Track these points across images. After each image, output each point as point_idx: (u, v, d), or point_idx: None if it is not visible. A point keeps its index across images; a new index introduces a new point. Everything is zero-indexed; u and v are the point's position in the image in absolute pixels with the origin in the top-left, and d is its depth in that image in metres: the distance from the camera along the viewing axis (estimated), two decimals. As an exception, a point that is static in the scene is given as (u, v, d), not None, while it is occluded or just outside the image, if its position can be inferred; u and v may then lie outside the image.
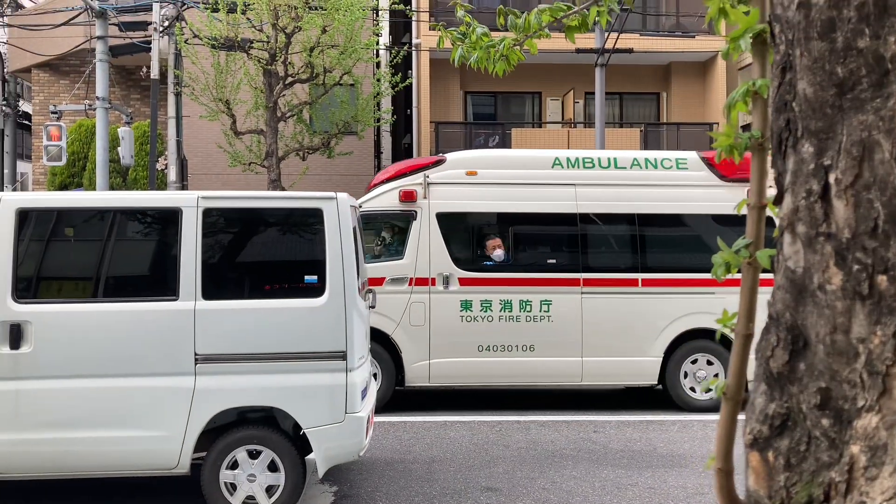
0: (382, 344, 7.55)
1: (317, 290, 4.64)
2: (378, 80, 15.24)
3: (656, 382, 7.86)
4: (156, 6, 14.30)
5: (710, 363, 7.90)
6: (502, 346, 7.58)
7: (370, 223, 7.90)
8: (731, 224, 7.96)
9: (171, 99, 15.01)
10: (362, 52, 13.97)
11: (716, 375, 7.86)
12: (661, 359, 7.73)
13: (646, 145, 17.42)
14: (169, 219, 4.67)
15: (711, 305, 7.60)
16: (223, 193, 4.84)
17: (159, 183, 15.46)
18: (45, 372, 4.46)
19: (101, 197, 4.92)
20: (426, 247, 7.71)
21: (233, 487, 4.60)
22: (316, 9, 13.21)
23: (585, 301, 7.62)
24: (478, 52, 2.28)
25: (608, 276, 7.77)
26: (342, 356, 4.62)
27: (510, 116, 18.91)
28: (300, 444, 4.69)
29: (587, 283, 7.66)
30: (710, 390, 7.94)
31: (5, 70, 22.23)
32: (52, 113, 15.44)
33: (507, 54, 2.26)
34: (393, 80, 14.83)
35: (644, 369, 7.73)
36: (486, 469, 5.85)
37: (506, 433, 6.97)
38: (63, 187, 16.18)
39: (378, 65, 16.15)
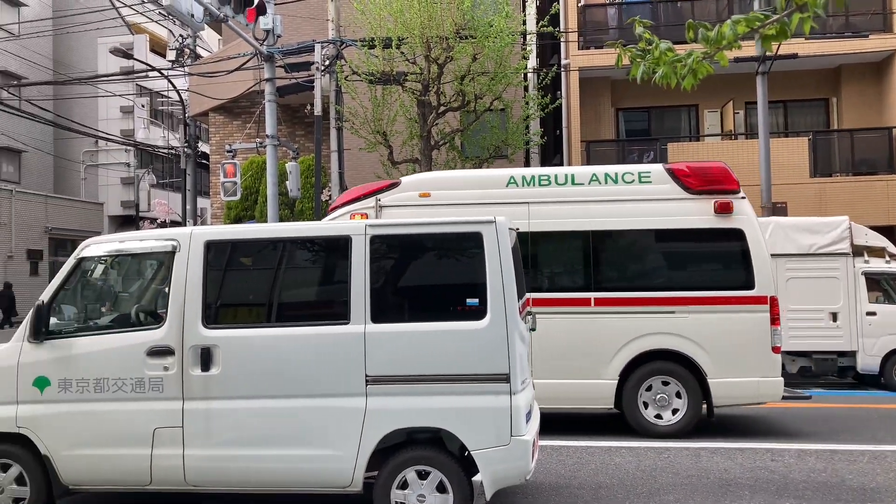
0: None
1: (479, 312, 4.69)
2: (527, 103, 15.31)
3: (612, 406, 7.54)
4: (317, 47, 15.17)
5: (665, 384, 7.49)
6: None
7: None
8: (693, 238, 7.56)
9: (332, 133, 15.83)
10: (512, 76, 14.11)
11: (678, 395, 7.47)
12: (617, 381, 7.43)
13: (815, 154, 16.33)
14: (339, 247, 4.90)
15: (672, 325, 7.31)
16: (389, 221, 5.02)
17: (324, 213, 16.31)
18: (232, 392, 4.78)
19: (277, 228, 5.24)
20: None
21: (403, 507, 4.71)
22: (466, 38, 13.51)
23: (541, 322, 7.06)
24: (663, 68, 2.24)
25: (558, 295, 7.51)
26: (505, 379, 4.63)
27: (665, 131, 18.37)
28: (467, 466, 4.73)
29: (536, 302, 7.23)
30: (676, 411, 7.45)
31: (186, 115, 24.38)
32: (228, 152, 16.72)
33: (695, 68, 2.20)
34: (542, 102, 14.85)
35: (599, 392, 7.43)
36: (654, 497, 5.64)
37: (674, 460, 6.68)
38: (237, 220, 17.43)
39: (526, 88, 16.24)
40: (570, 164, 16.82)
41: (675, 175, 7.56)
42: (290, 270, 5.09)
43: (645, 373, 7.43)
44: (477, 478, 4.71)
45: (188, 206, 23.98)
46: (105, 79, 26.28)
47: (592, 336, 7.43)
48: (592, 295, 7.51)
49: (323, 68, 15.12)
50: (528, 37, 15.56)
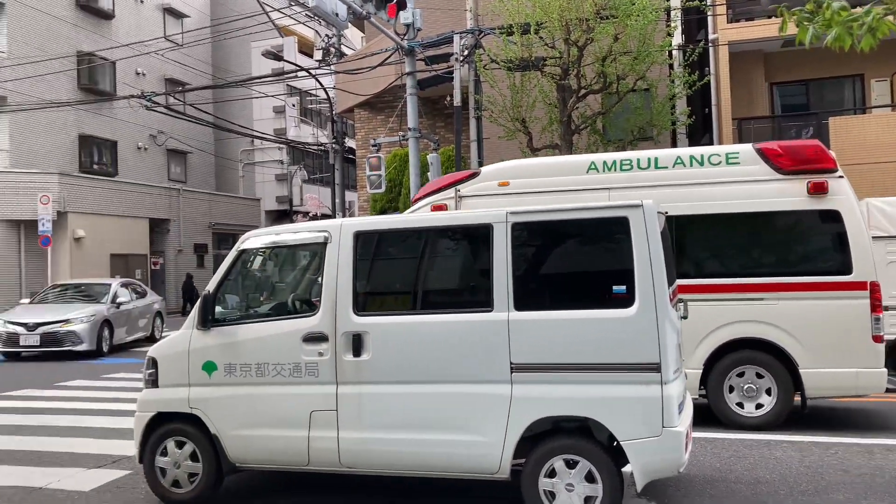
0: None
1: (626, 300, 4.56)
2: (672, 82, 14.72)
3: (696, 396, 7.18)
4: (456, 38, 15.31)
5: (759, 376, 7.12)
6: None
7: None
8: (784, 221, 7.12)
9: (472, 123, 15.94)
10: (656, 55, 13.61)
11: (767, 391, 7.13)
12: (701, 371, 7.17)
13: None
14: (481, 235, 4.92)
15: (760, 313, 6.96)
16: (530, 208, 4.98)
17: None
18: (381, 378, 4.93)
19: (421, 218, 5.33)
20: None
21: (551, 496, 4.67)
22: (607, 18, 13.16)
23: None
24: (836, 29, 2.05)
25: None
26: (656, 368, 4.49)
27: (825, 105, 17.08)
28: (616, 456, 4.63)
29: None
30: (763, 404, 7.12)
31: (333, 112, 25.34)
32: (372, 146, 17.24)
33: (875, 26, 2.00)
34: (689, 80, 14.22)
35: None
36: (822, 496, 5.28)
37: (844, 457, 6.23)
38: (382, 212, 17.96)
39: (672, 66, 15.61)
40: (720, 142, 16.02)
41: (765, 155, 7.17)
42: (435, 259, 5.17)
43: (731, 362, 7.14)
44: (627, 468, 4.61)
45: (337, 200, 24.98)
46: (258, 81, 27.80)
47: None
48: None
49: (462, 59, 15.23)
50: (672, 12, 14.94)
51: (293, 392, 5.08)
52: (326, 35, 24.00)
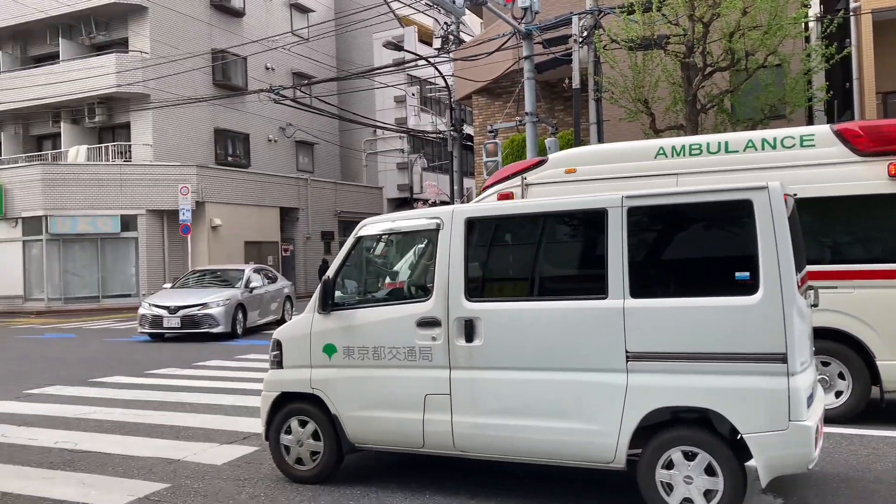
0: None
1: (749, 287, 4.34)
2: (808, 56, 13.82)
3: None
4: (574, 19, 15.02)
5: (826, 364, 6.82)
6: None
7: None
8: (862, 205, 6.73)
9: (591, 105, 15.61)
10: (789, 28, 12.82)
11: (841, 377, 6.83)
12: None
13: None
14: (595, 220, 4.81)
15: (833, 302, 6.58)
16: (647, 191, 4.81)
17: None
18: (494, 363, 4.93)
19: (533, 204, 5.27)
20: None
21: (669, 487, 4.54)
22: (734, -9, 12.51)
23: None
24: None
25: None
26: (782, 359, 4.25)
27: None
28: (739, 450, 4.43)
29: None
30: (840, 393, 6.81)
31: (452, 100, 25.52)
32: (489, 132, 17.24)
33: None
34: (826, 53, 13.31)
35: None
36: (974, 501, 4.84)
37: None
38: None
39: (807, 39, 14.65)
40: (862, 118, 14.91)
41: (843, 136, 6.81)
42: (547, 245, 5.10)
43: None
44: (751, 463, 4.40)
45: (455, 187, 25.19)
46: (379, 71, 28.37)
47: None
48: None
49: (580, 40, 14.93)
50: (808, -18, 14.01)
51: (408, 375, 5.17)
52: (445, 23, 24.16)
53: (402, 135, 35.43)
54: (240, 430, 7.35)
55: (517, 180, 8.10)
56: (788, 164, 6.98)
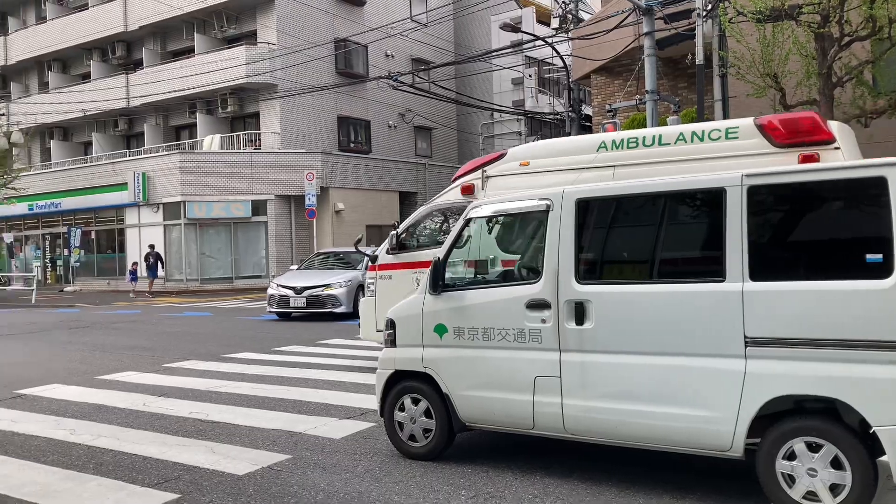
0: None
1: (882, 269, 4.05)
2: (963, 19, 12.59)
3: None
4: (698, -8, 14.38)
5: None
6: None
7: (439, 215, 9.36)
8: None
9: (716, 82, 14.94)
10: (940, -11, 11.73)
11: None
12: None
13: None
14: (713, 200, 4.62)
15: None
16: (769, 169, 4.58)
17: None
18: (605, 347, 4.85)
19: (646, 183, 5.12)
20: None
21: (790, 479, 4.32)
22: (877, -48, 11.58)
23: None
24: None
25: None
26: (919, 347, 3.94)
27: None
28: (870, 443, 4.16)
29: None
30: None
31: (570, 80, 25.11)
32: (608, 112, 16.85)
33: None
34: (985, 15, 12.08)
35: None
36: None
37: None
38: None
39: (966, 0, 13.35)
40: None
41: (762, 129, 7.05)
42: (660, 225, 4.93)
43: None
44: (883, 459, 4.12)
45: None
46: (496, 54, 28.28)
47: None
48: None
49: (704, 14, 14.30)
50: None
51: (518, 357, 5.18)
52: (563, 2, 23.75)
53: (520, 117, 35.23)
54: (357, 405, 7.61)
55: (479, 173, 8.74)
56: (713, 156, 7.30)
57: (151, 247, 27.05)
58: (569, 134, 25.06)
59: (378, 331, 9.57)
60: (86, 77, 35.50)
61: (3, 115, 31.11)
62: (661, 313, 4.64)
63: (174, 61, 31.66)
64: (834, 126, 7.15)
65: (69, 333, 15.36)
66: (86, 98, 32.79)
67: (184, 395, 8.40)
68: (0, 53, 37.34)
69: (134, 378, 9.63)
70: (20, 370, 10.49)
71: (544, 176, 8.16)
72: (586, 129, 28.12)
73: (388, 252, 9.85)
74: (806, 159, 6.85)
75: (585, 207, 5.09)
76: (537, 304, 5.10)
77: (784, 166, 4.74)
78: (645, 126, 15.80)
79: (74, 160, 34.92)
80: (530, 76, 34.84)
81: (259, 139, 29.95)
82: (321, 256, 19.20)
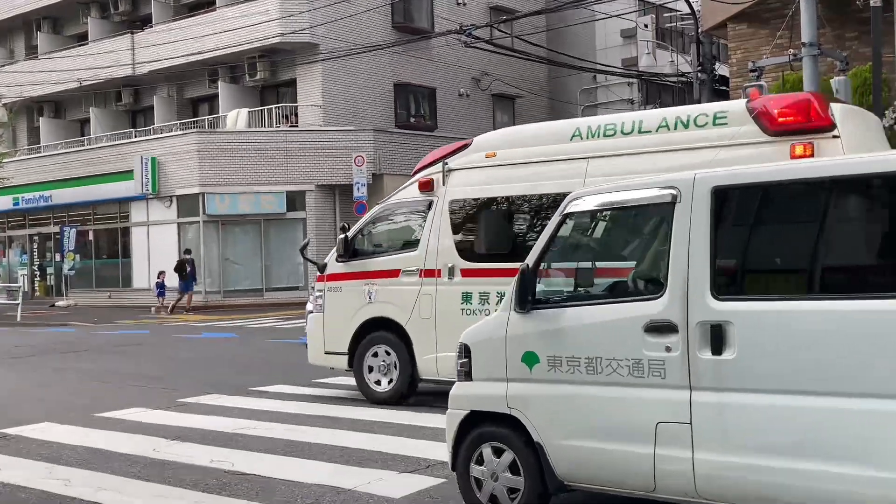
0: (398, 335, 9.81)
1: None
2: None
3: None
4: None
5: None
6: None
7: (394, 215, 10.41)
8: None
9: (898, 29, 14.45)
10: None
11: None
12: None
13: None
14: (888, 187, 4.47)
15: None
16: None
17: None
18: (752, 384, 4.70)
19: (811, 165, 4.95)
20: (436, 237, 9.56)
21: None
22: None
23: None
24: None
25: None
26: None
27: None
28: None
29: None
30: None
31: (699, 30, 24.70)
32: (751, 72, 16.47)
33: None
34: None
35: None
36: None
37: None
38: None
39: None
40: None
41: (755, 113, 7.75)
42: (827, 223, 4.78)
43: None
44: None
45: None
46: (601, -1, 28.06)
47: None
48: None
49: (882, -62, 13.85)
50: None
51: (633, 396, 5.10)
52: (689, -72, 23.44)
53: (632, 80, 34.84)
54: (421, 455, 7.64)
55: (440, 166, 9.69)
56: (699, 146, 7.99)
57: (188, 252, 27.61)
58: (698, 101, 24.68)
59: (328, 353, 10.54)
60: (82, 39, 36.91)
61: (-17, 87, 32.61)
62: (831, 339, 4.48)
63: (190, 17, 32.57)
64: (836, 110, 7.70)
65: (63, 359, 15.92)
66: (82, 64, 34.04)
67: (203, 439, 8.59)
68: (-20, 11, 39.14)
69: (142, 416, 9.91)
70: (5, 404, 10.93)
71: (513, 169, 9.18)
72: (721, 95, 27.65)
73: (337, 260, 10.49)
74: (801, 149, 7.48)
75: (725, 198, 4.97)
76: (659, 327, 5.01)
77: None
78: (801, 90, 15.41)
79: (68, 142, 36.33)
80: (646, 26, 34.42)
81: (296, 114, 30.51)
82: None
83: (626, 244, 6.12)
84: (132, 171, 29.80)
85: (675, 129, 8.31)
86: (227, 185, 28.43)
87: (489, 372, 5.72)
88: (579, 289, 5.78)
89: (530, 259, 5.59)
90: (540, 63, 31.35)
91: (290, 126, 30.08)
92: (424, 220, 9.89)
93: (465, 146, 9.68)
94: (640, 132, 8.48)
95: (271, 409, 10.15)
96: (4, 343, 19.23)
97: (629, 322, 5.13)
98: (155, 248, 29.72)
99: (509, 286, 8.74)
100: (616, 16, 33.11)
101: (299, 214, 28.81)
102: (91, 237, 32.68)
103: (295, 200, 28.77)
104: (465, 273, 9.40)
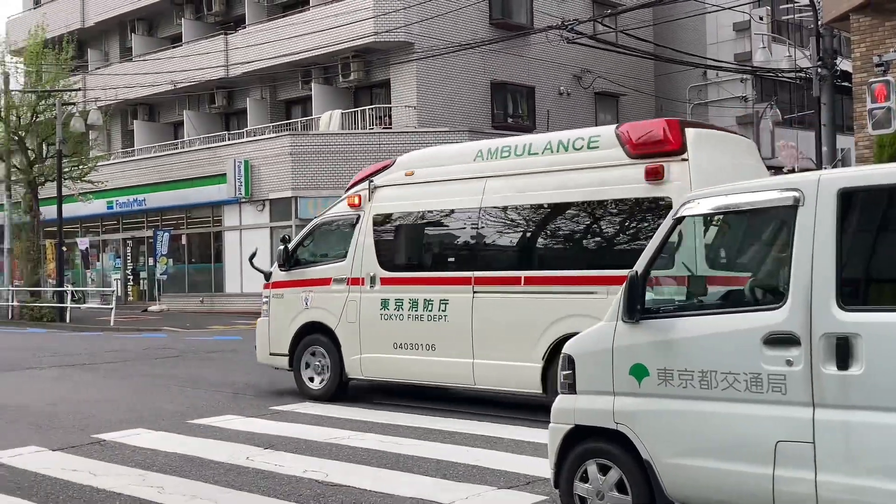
0: (330, 338, 11.28)
1: None
2: None
3: (541, 391, 9.38)
4: None
5: None
6: (411, 344, 10.43)
7: (328, 228, 12.13)
8: (622, 210, 9.22)
9: None
10: None
11: None
12: (542, 366, 9.36)
13: None
14: None
15: (590, 307, 8.43)
16: None
17: None
18: (882, 402, 4.58)
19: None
20: (361, 249, 11.09)
21: None
22: None
23: (476, 301, 9.86)
24: None
25: (495, 273, 9.84)
26: None
27: None
28: None
29: (478, 281, 9.88)
30: None
31: (819, 23, 24.06)
32: (876, 66, 15.99)
33: None
34: None
35: (525, 376, 9.52)
36: None
37: None
38: (892, 159, 16.58)
39: None
40: None
41: (620, 138, 9.03)
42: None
43: None
44: None
45: (824, 148, 23.78)
46: (712, -10, 27.62)
47: (520, 317, 9.64)
48: (522, 273, 9.73)
49: None
50: None
51: (751, 413, 5.02)
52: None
53: (745, 76, 34.15)
54: (521, 470, 7.62)
55: (366, 184, 11.24)
56: (576, 167, 9.43)
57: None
58: (818, 99, 24.06)
59: (272, 353, 12.16)
60: (176, 40, 38.09)
61: (79, 89, 33.90)
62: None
63: (283, 17, 33.27)
64: (690, 135, 8.83)
65: (155, 365, 16.43)
66: (175, 67, 35.11)
67: (296, 448, 8.74)
68: (76, 13, 40.72)
69: (235, 423, 10.15)
70: (99, 410, 11.32)
71: (427, 186, 10.66)
72: (843, 91, 26.89)
73: (279, 269, 12.10)
74: (650, 173, 8.77)
75: (852, 200, 4.85)
76: (780, 339, 4.91)
77: None
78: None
79: (162, 145, 37.52)
80: (761, 19, 33.70)
81: (389, 115, 30.85)
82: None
83: (743, 250, 6.02)
84: (225, 174, 30.57)
85: (558, 151, 9.71)
86: (320, 188, 28.89)
87: (595, 385, 5.67)
88: (692, 297, 5.70)
89: (639, 266, 5.52)
90: (646, 59, 31.01)
91: (384, 128, 30.43)
92: (353, 233, 11.42)
93: (389, 165, 11.27)
94: (529, 154, 9.93)
95: (364, 418, 10.26)
96: (98, 348, 19.94)
97: (747, 334, 5.04)
98: (247, 253, 30.36)
99: (425, 294, 10.34)
100: (729, 8, 32.47)
101: (393, 219, 29.07)
102: (184, 241, 33.62)
103: (389, 204, 29.02)
104: (384, 281, 10.98)
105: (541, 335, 9.40)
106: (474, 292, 10.01)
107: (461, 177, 10.37)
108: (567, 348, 5.91)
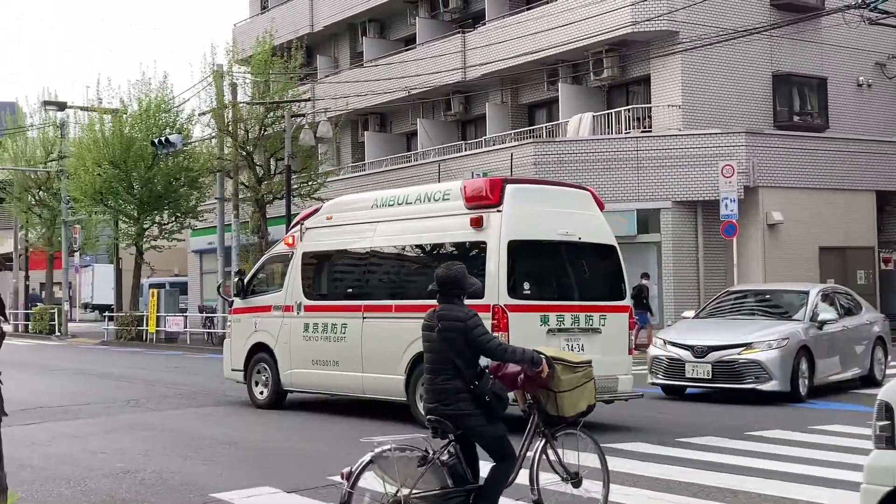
0: (270, 356, 15.57)
1: None
2: None
3: (405, 399, 13.39)
4: None
5: None
6: (323, 360, 14.72)
7: (273, 263, 17.02)
8: (455, 250, 13.31)
9: None
10: None
11: None
12: (405, 377, 13.21)
13: None
14: None
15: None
16: None
17: None
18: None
19: None
20: (293, 280, 15.45)
21: None
22: None
23: (365, 325, 14.03)
24: None
25: (377, 302, 14.16)
26: None
27: None
28: None
29: (366, 308, 14.14)
30: None
31: None
32: None
33: None
34: None
35: (394, 386, 13.46)
36: None
37: None
38: None
39: None
40: None
41: (462, 191, 13.14)
42: None
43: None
44: None
45: None
46: None
47: (391, 337, 13.48)
48: (393, 302, 13.87)
49: None
50: None
51: None
52: None
53: None
54: None
55: (299, 227, 15.51)
56: (433, 215, 13.45)
57: (645, 276, 27.20)
58: None
59: (233, 370, 16.47)
60: (409, 42, 39.40)
61: (308, 99, 35.55)
62: None
63: (526, 10, 33.58)
64: (509, 190, 12.66)
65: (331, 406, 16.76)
66: (408, 71, 36.22)
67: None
68: (305, 17, 42.92)
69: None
70: (219, 462, 11.53)
71: (341, 229, 14.87)
72: None
73: (237, 297, 16.59)
74: (473, 221, 12.58)
75: None
76: None
77: None
78: None
79: (393, 157, 38.77)
80: None
81: (649, 117, 30.43)
82: (734, 296, 18.90)
83: None
84: (461, 188, 30.96)
85: (423, 202, 13.73)
86: (569, 203, 28.70)
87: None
88: None
89: None
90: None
91: (643, 131, 30.03)
92: (289, 267, 15.68)
93: (318, 210, 15.70)
94: (406, 203, 13.98)
95: (629, 469, 9.96)
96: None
97: None
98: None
99: (332, 319, 14.43)
100: None
101: (653, 237, 28.57)
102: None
103: (647, 220, 28.57)
104: (307, 308, 15.08)
105: (403, 352, 13.13)
106: (363, 318, 14.06)
107: (361, 221, 14.59)
108: (883, 394, 5.72)
